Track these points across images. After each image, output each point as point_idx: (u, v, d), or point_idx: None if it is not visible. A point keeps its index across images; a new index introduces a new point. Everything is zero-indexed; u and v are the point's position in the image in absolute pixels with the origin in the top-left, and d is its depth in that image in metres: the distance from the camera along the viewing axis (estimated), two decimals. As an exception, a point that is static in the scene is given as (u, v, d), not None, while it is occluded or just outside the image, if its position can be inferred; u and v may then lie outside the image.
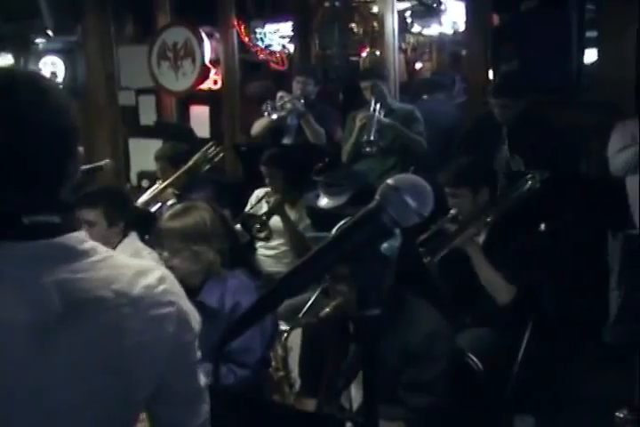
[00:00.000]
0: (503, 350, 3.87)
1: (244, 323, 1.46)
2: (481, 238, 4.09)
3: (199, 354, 1.72)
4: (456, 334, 3.46)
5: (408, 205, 1.34)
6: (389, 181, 1.36)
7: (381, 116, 5.78)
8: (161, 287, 1.56)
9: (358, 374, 2.93)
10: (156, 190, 5.64)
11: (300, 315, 3.73)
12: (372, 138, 5.69)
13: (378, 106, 5.79)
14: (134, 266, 1.57)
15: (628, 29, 5.65)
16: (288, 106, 6.11)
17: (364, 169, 5.80)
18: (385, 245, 2.75)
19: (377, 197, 1.35)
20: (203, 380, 1.71)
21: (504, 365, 3.78)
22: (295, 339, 3.22)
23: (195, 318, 1.66)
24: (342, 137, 6.17)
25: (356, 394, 2.98)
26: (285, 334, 2.93)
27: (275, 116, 6.11)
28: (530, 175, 4.13)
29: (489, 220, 4.01)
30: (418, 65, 10.01)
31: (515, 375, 3.79)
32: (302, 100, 6.20)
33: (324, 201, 4.63)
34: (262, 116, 6.22)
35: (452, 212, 4.04)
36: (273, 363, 2.96)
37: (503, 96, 5.38)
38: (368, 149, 5.75)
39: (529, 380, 3.97)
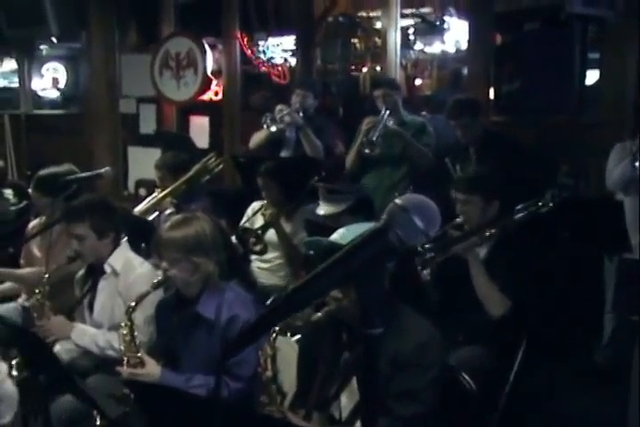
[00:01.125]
0: (496, 369, 3.86)
1: (248, 337, 1.46)
2: (482, 251, 4.09)
3: None
4: (449, 351, 3.45)
5: (416, 225, 1.34)
6: (398, 200, 1.37)
7: (389, 123, 5.77)
8: None
9: (349, 382, 2.94)
10: (154, 199, 5.63)
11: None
12: (374, 138, 5.63)
13: (387, 113, 5.78)
14: None
15: (630, 50, 5.69)
16: (287, 119, 6.10)
17: (373, 181, 5.84)
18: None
19: (384, 216, 1.36)
20: None
21: (496, 384, 3.78)
22: (283, 339, 3.22)
23: None
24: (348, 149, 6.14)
25: (346, 403, 2.97)
26: (274, 334, 2.91)
27: (273, 129, 6.10)
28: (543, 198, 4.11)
29: (492, 233, 3.99)
30: (418, 81, 10.02)
31: (506, 395, 3.78)
32: (301, 113, 6.19)
33: (322, 209, 4.63)
34: (262, 128, 6.21)
35: (458, 220, 4.01)
36: (261, 361, 2.94)
37: (461, 116, 5.42)
38: (367, 151, 5.68)
39: (520, 400, 3.96)
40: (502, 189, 4.15)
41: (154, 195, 5.76)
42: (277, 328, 2.85)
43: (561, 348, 5.14)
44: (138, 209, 5.65)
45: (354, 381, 2.95)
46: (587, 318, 5.46)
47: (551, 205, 4.01)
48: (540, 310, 4.62)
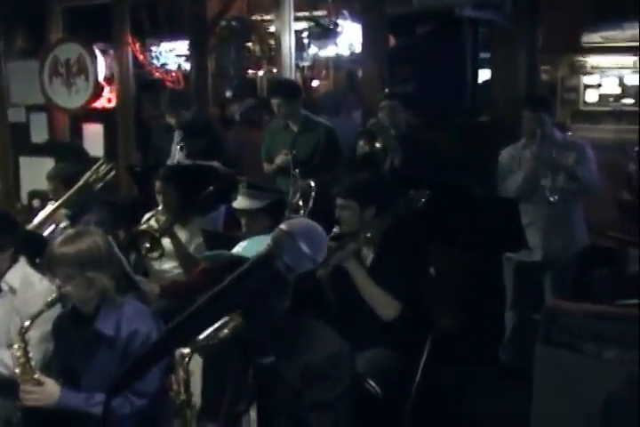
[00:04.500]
0: (400, 372, 3.87)
1: (139, 367, 1.40)
2: (369, 257, 4.11)
3: None
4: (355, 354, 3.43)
5: (302, 251, 1.31)
6: (283, 226, 1.33)
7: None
8: None
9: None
10: (47, 213, 5.49)
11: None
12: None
13: (289, 122, 5.90)
14: None
15: (520, 51, 5.82)
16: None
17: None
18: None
19: (270, 242, 1.32)
20: None
21: (403, 385, 3.79)
22: (197, 362, 3.16)
23: None
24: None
25: (255, 417, 2.94)
26: (187, 358, 2.85)
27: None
28: (410, 196, 4.22)
29: (368, 237, 4.04)
30: (315, 83, 10.07)
31: (412, 398, 3.79)
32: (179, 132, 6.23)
33: (240, 203, 4.59)
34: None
35: (335, 230, 4.03)
36: (174, 386, 2.88)
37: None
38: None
39: (426, 402, 3.98)
40: (379, 196, 4.17)
41: (47, 207, 5.61)
42: (189, 351, 2.79)
43: (466, 347, 5.23)
44: (34, 224, 5.48)
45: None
46: (489, 317, 5.56)
47: (421, 203, 4.13)
48: (442, 310, 4.70)
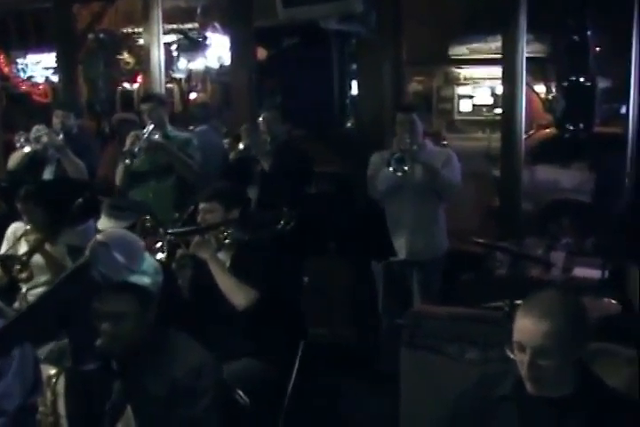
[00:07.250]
0: (272, 379, 3.90)
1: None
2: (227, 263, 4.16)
3: None
4: (224, 364, 3.43)
5: (117, 260, 1.33)
6: (99, 236, 1.35)
7: (153, 136, 5.74)
8: None
9: (124, 411, 2.90)
10: None
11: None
12: (135, 149, 5.61)
13: (152, 126, 5.75)
14: None
15: (384, 62, 5.95)
16: (44, 139, 5.95)
17: (138, 195, 5.77)
18: (148, 280, 2.74)
19: (86, 252, 1.34)
20: None
21: (274, 397, 3.81)
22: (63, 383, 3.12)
23: None
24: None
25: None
26: (54, 379, 2.81)
27: (27, 149, 5.93)
28: (283, 213, 4.32)
29: (226, 235, 4.11)
30: (192, 95, 10.06)
31: (285, 407, 3.82)
32: (61, 135, 6.05)
33: (103, 223, 4.54)
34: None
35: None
36: (41, 408, 2.83)
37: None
38: (127, 161, 5.64)
39: (300, 411, 4.01)
40: (242, 200, 4.35)
41: None
42: (56, 373, 2.76)
43: (341, 355, 5.29)
44: None
45: (128, 409, 2.92)
46: (366, 324, 5.64)
47: (292, 222, 4.26)
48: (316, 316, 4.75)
